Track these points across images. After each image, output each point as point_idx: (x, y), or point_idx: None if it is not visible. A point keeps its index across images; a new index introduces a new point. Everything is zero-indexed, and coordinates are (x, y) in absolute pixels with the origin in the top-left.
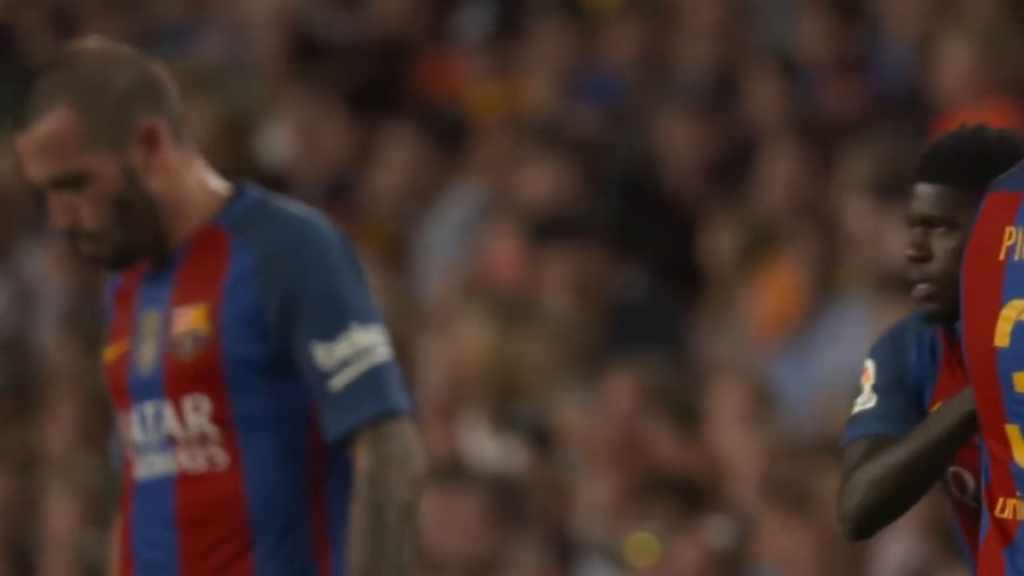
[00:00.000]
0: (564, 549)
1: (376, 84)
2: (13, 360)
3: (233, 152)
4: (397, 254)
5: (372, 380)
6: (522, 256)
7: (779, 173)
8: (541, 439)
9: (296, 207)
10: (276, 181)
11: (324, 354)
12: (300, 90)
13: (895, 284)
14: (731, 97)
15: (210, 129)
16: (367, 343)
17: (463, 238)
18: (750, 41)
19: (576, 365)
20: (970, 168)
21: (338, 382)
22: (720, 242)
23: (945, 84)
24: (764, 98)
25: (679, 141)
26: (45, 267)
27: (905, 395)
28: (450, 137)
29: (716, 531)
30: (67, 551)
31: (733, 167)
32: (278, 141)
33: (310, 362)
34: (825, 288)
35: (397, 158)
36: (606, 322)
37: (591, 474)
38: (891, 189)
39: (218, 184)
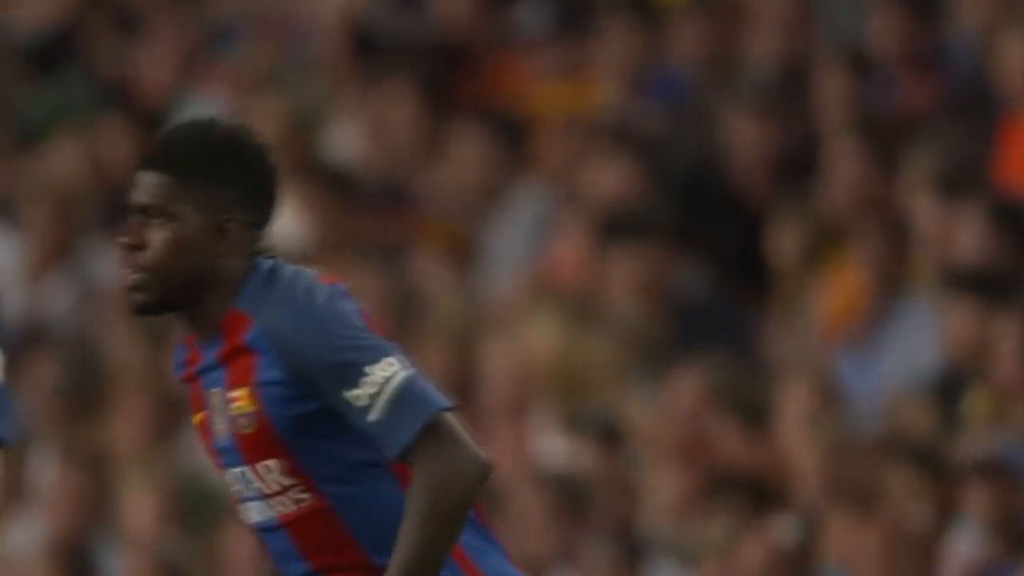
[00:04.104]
0: (632, 547)
1: (441, 82)
2: (80, 359)
3: (299, 151)
4: (464, 254)
5: None
6: (589, 255)
7: (845, 170)
8: (608, 438)
9: None
10: (342, 180)
11: None
12: (364, 89)
13: (962, 282)
14: (797, 94)
15: (276, 128)
16: None
17: (530, 237)
18: (817, 37)
19: (642, 364)
20: (193, 159)
21: None
22: (785, 240)
23: (1009, 80)
24: (830, 95)
25: (745, 138)
26: (110, 266)
27: None
28: (516, 136)
29: (782, 530)
30: (145, 549)
31: (799, 164)
32: (344, 140)
33: None
34: (891, 286)
35: (463, 157)
36: (672, 321)
37: (658, 473)
38: (957, 186)
39: None
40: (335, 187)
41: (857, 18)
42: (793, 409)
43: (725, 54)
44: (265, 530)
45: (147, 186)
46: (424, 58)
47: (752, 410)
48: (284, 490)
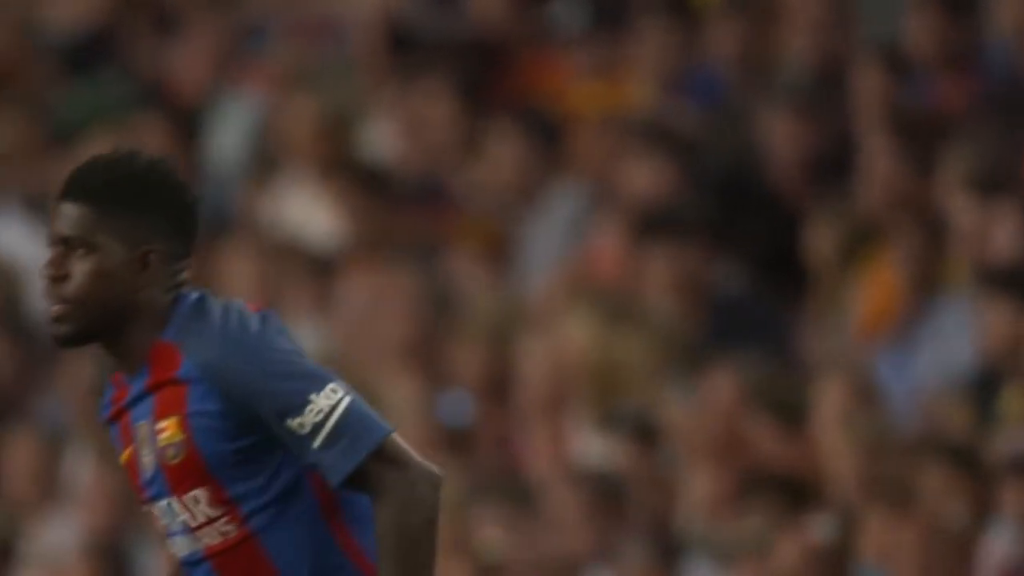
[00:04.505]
0: (668, 546)
1: (477, 81)
2: None
3: (335, 149)
4: (500, 252)
5: None
6: (625, 253)
7: (881, 169)
8: (644, 436)
9: None
10: (378, 178)
11: None
12: (400, 87)
13: (998, 280)
14: (833, 93)
15: (312, 126)
16: None
17: (566, 236)
18: (853, 36)
19: (678, 362)
20: (115, 190)
21: None
22: (821, 239)
23: None
24: (866, 94)
25: (781, 137)
26: None
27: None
28: (552, 134)
29: (819, 528)
30: None
31: (835, 163)
32: (380, 138)
33: None
34: (927, 285)
35: (499, 155)
36: (708, 319)
37: (694, 471)
38: (993, 185)
39: None
40: (371, 185)
41: (893, 17)
42: (829, 407)
43: (761, 53)
44: (190, 563)
45: (68, 217)
46: (460, 56)
47: (788, 409)
48: (210, 521)
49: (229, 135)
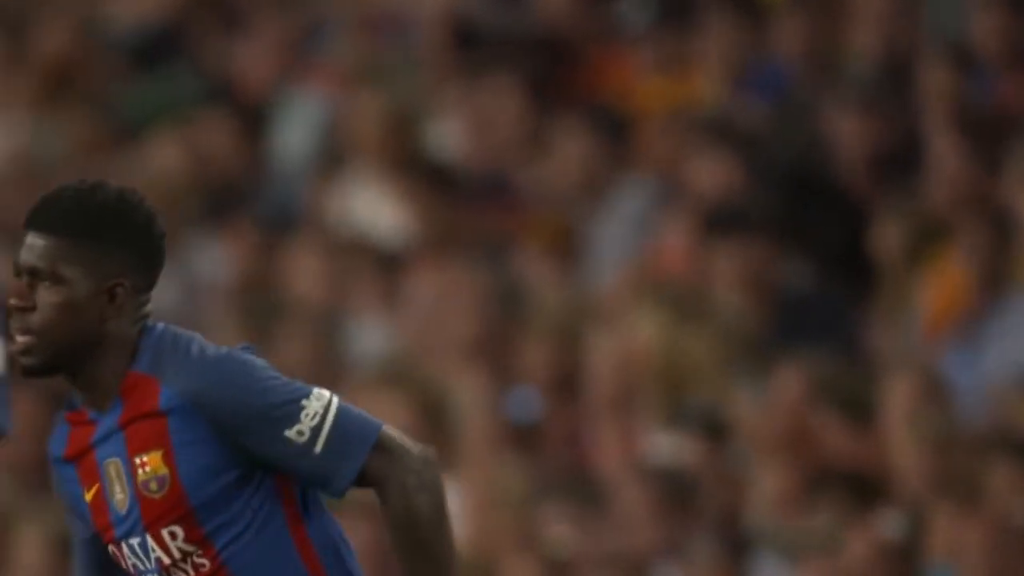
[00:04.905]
0: (736, 542)
1: (544, 77)
2: None
3: (401, 146)
4: (567, 249)
5: None
6: (692, 250)
7: (948, 166)
8: (712, 433)
9: None
10: (444, 175)
11: None
12: (467, 84)
13: None
14: (900, 89)
15: (379, 123)
16: None
17: (633, 232)
18: (920, 32)
19: (746, 359)
20: (84, 222)
21: None
22: (889, 235)
23: None
24: (933, 90)
25: (848, 133)
26: (213, 260)
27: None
28: (619, 131)
29: (887, 524)
30: None
31: (902, 159)
32: (446, 135)
33: None
34: (995, 281)
35: (566, 152)
36: (775, 315)
37: (762, 468)
38: None
39: None
40: (438, 182)
41: (960, 13)
42: (897, 404)
43: (827, 49)
44: None
45: (35, 248)
46: (527, 53)
47: (856, 405)
48: (184, 557)
49: (296, 132)
